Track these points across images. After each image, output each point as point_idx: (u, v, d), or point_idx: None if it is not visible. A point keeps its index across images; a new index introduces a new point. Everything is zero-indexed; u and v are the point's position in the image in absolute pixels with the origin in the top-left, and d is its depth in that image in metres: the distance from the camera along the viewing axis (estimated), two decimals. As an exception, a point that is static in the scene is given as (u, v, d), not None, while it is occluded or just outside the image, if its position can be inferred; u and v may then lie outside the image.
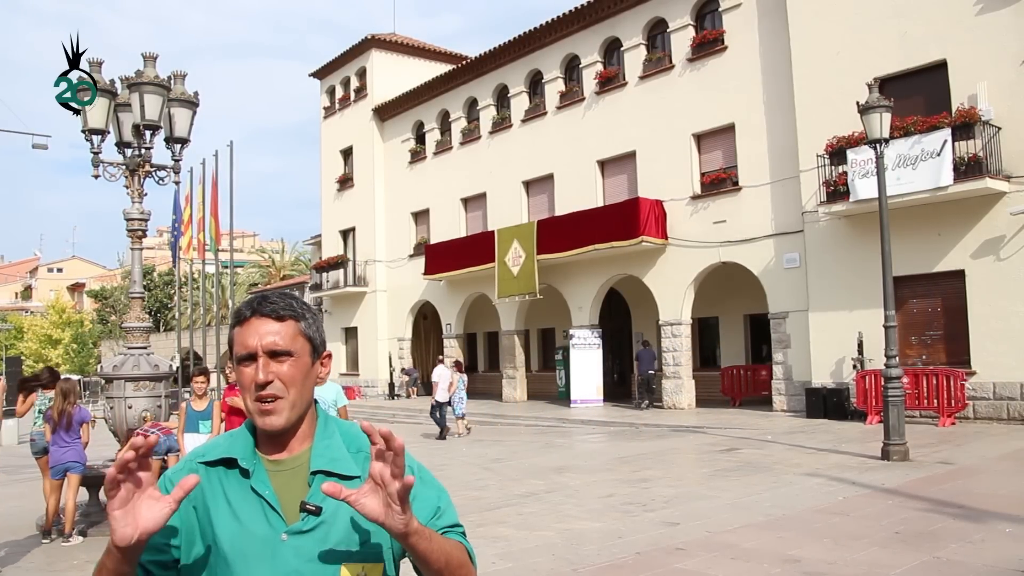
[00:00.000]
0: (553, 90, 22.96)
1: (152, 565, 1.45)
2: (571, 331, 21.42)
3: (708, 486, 9.19)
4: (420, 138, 28.35)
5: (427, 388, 29.37)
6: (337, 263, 30.33)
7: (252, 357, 1.50)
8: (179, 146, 8.81)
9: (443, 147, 27.10)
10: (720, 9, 18.67)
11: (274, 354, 1.50)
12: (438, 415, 16.28)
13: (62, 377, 8.45)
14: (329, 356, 1.62)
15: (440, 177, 27.06)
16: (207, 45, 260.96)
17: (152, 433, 1.34)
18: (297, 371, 1.51)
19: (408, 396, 27.95)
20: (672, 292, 19.33)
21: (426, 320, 29.21)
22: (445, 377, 16.41)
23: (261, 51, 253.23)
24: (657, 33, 20.44)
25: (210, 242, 24.06)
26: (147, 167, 8.67)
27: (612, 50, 21.58)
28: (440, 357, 20.70)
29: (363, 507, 1.33)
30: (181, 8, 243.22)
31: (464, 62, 26.74)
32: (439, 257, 25.12)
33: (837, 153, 15.04)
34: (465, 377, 17.17)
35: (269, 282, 48.08)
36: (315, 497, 1.47)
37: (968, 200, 13.65)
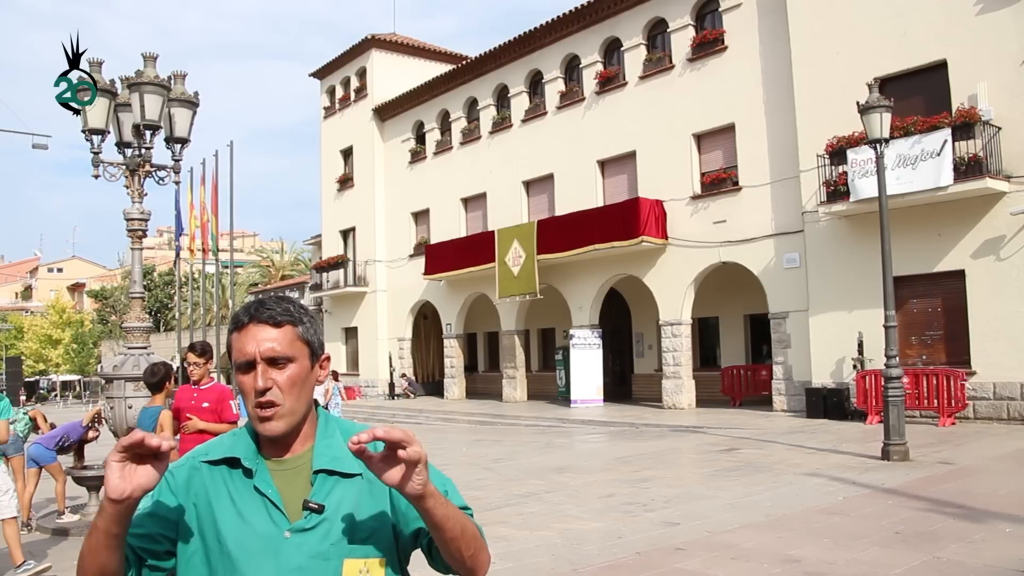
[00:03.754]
0: (553, 90, 22.96)
1: (144, 552, 1.48)
2: (571, 331, 21.42)
3: (708, 486, 9.19)
4: (420, 138, 28.35)
5: (429, 389, 29.46)
6: (337, 263, 30.33)
7: (251, 364, 1.51)
8: (179, 146, 8.80)
9: (443, 147, 27.10)
10: (720, 9, 18.67)
11: (273, 361, 1.51)
12: None
13: None
14: (328, 358, 1.64)
15: (440, 177, 27.06)
16: (204, 46, 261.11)
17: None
18: (296, 376, 1.53)
19: (408, 397, 27.96)
20: (672, 292, 19.33)
21: (426, 320, 29.21)
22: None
23: (258, 52, 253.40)
24: (657, 33, 20.43)
25: (212, 242, 24.11)
26: (147, 167, 8.67)
27: (612, 50, 21.58)
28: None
29: (381, 470, 1.36)
30: (178, 9, 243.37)
31: (464, 62, 26.74)
32: (439, 257, 25.11)
33: (837, 153, 15.04)
34: (340, 385, 18.61)
35: (269, 282, 48.08)
36: (318, 495, 1.50)
37: (968, 200, 13.65)
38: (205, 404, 5.99)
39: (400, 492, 1.37)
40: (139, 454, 1.33)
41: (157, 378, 6.34)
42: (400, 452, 1.33)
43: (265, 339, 1.51)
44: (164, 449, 1.32)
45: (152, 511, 1.48)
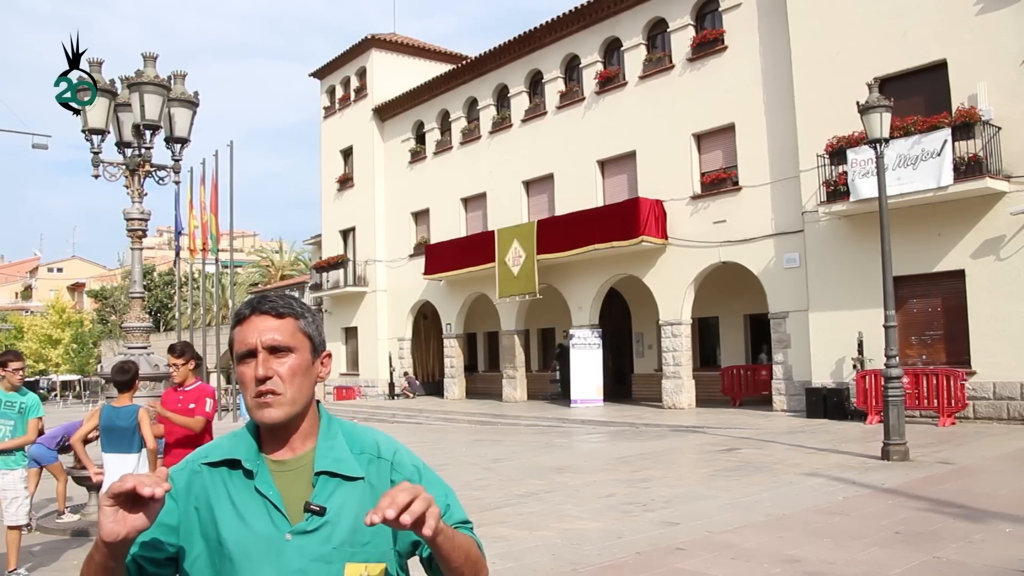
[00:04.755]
0: (553, 90, 22.95)
1: (145, 561, 1.47)
2: (571, 331, 21.43)
3: (708, 486, 9.19)
4: (420, 138, 28.35)
5: (429, 389, 29.46)
6: (337, 263, 30.33)
7: (252, 354, 1.51)
8: (179, 146, 8.81)
9: (443, 147, 27.10)
10: (720, 9, 18.67)
11: (274, 350, 1.52)
12: None
13: None
14: (329, 356, 1.63)
15: (440, 177, 27.06)
16: (204, 47, 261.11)
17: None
18: (297, 367, 1.53)
19: (408, 397, 27.94)
20: (672, 292, 19.32)
21: (426, 320, 29.22)
22: None
23: (258, 52, 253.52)
24: (657, 33, 20.43)
25: (211, 242, 24.11)
26: (147, 167, 8.68)
27: (612, 50, 21.58)
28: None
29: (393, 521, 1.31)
30: (176, 9, 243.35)
31: (464, 62, 26.74)
32: (439, 257, 25.11)
33: (837, 153, 15.03)
34: None
35: (269, 282, 48.09)
36: (319, 497, 1.49)
37: (968, 200, 13.65)
38: (192, 405, 5.82)
39: (416, 533, 1.31)
40: (132, 499, 1.29)
41: (129, 376, 6.08)
42: (403, 519, 1.26)
43: (267, 329, 1.52)
44: (158, 496, 1.28)
45: None
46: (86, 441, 9.49)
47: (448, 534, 1.40)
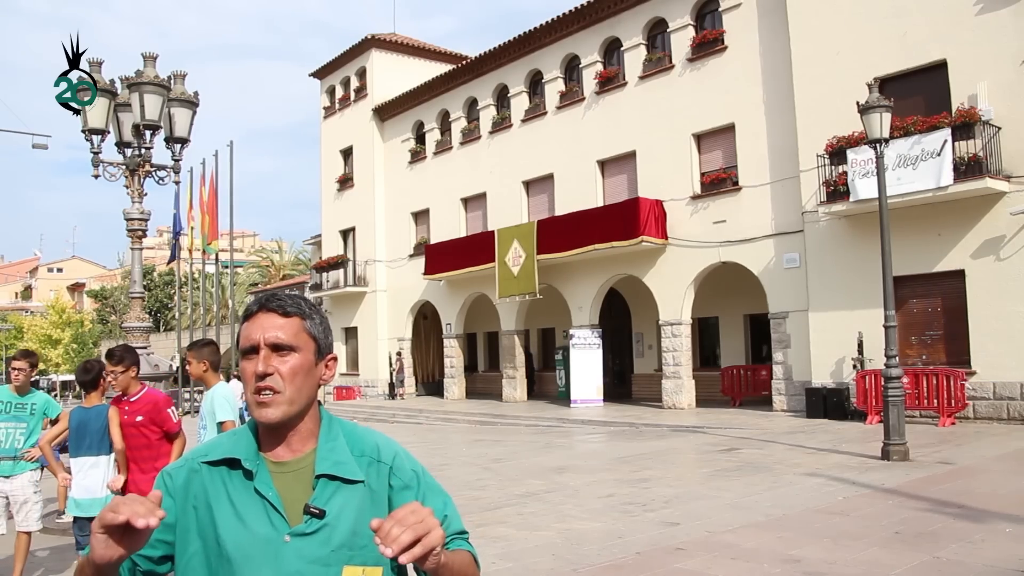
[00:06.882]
0: (553, 90, 22.95)
1: (140, 559, 1.47)
2: (571, 331, 21.42)
3: (708, 486, 9.19)
4: (420, 138, 28.35)
5: (429, 389, 29.46)
6: (337, 263, 30.33)
7: (255, 350, 1.52)
8: (179, 146, 8.80)
9: (443, 147, 27.10)
10: (720, 9, 18.67)
11: (277, 348, 1.52)
12: None
13: None
14: (334, 359, 1.63)
15: (440, 177, 27.05)
16: (203, 47, 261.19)
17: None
18: (298, 366, 1.52)
19: (401, 397, 27.81)
20: (672, 292, 19.32)
21: (426, 320, 29.21)
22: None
23: (258, 53, 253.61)
24: (657, 33, 20.43)
25: (202, 242, 24.11)
26: (147, 167, 8.67)
27: (612, 50, 21.58)
28: (234, 373, 22.11)
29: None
30: (174, 10, 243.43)
31: (464, 62, 26.74)
32: (439, 257, 25.11)
33: (837, 153, 15.03)
34: None
35: (269, 282, 48.10)
36: (319, 500, 1.48)
37: (968, 200, 13.65)
38: (139, 418, 5.26)
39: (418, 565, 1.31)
40: (125, 529, 1.27)
41: (91, 375, 5.74)
42: (402, 559, 1.26)
43: (271, 326, 1.53)
44: (152, 526, 1.26)
45: None
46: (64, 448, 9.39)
47: (449, 566, 1.39)
